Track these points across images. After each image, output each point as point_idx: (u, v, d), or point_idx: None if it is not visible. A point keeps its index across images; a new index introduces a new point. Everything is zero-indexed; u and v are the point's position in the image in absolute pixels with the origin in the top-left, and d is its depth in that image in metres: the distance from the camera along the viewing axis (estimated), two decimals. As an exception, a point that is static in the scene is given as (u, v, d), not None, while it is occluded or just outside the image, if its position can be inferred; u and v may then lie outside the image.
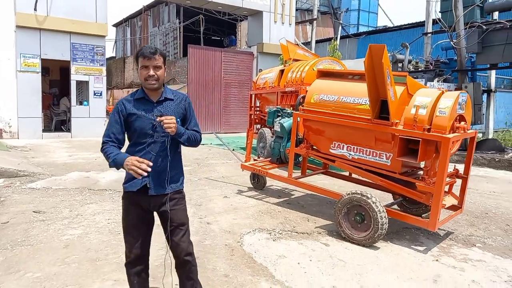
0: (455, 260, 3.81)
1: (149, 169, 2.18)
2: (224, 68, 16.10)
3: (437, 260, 3.79)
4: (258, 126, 10.58)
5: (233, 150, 9.49)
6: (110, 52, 32.37)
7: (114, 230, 4.32)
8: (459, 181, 4.55)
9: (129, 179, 2.41)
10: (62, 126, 14.15)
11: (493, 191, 6.73)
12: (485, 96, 11.29)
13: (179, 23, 25.42)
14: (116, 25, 35.97)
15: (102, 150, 2.38)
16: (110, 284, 3.11)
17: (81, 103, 13.39)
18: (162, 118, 2.28)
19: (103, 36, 13.70)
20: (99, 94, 13.58)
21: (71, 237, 4.05)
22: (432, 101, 3.97)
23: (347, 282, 3.30)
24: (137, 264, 2.50)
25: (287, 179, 5.20)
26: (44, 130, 12.98)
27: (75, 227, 4.35)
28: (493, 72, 11.26)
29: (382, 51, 3.79)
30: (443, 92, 4.08)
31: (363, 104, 4.43)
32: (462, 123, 4.08)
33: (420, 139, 3.92)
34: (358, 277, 3.38)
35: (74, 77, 13.03)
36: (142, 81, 2.36)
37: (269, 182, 6.43)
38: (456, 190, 4.57)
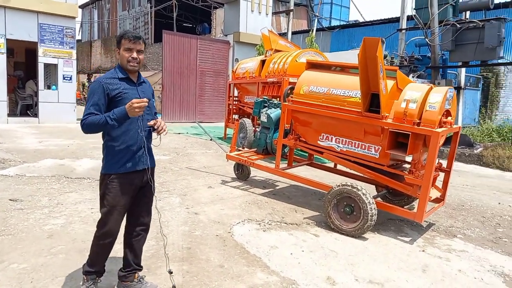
0: (439, 251, 3.95)
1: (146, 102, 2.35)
2: (199, 56, 15.80)
3: (423, 251, 3.92)
4: (236, 116, 10.50)
5: (211, 140, 9.37)
6: (76, 35, 30.97)
7: (98, 220, 4.16)
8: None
9: (127, 160, 2.52)
10: (28, 111, 13.43)
11: (465, 184, 7.04)
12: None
13: (151, 7, 24.67)
14: (82, 7, 34.39)
15: (88, 120, 2.37)
16: (103, 276, 2.99)
17: (49, 87, 12.73)
18: (152, 122, 2.53)
19: (73, 18, 13.08)
20: (68, 79, 12.97)
21: (54, 227, 3.86)
22: (422, 96, 4.05)
23: (340, 272, 3.35)
24: (114, 237, 2.62)
25: (274, 170, 5.19)
26: (9, 115, 12.28)
27: (57, 217, 4.15)
28: (463, 70, 11.71)
29: (377, 44, 3.81)
30: (432, 87, 4.18)
31: (354, 97, 4.47)
32: (449, 118, 4.20)
33: (410, 133, 4.00)
34: (351, 267, 3.44)
35: (42, 60, 12.35)
36: (123, 62, 2.49)
37: (252, 172, 6.40)
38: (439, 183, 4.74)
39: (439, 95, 4.00)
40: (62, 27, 12.65)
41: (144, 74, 16.96)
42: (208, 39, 18.23)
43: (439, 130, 3.91)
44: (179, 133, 11.85)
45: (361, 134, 4.46)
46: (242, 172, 6.12)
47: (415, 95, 4.09)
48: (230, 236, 3.96)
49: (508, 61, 10.39)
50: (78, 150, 8.02)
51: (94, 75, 28.36)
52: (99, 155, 7.66)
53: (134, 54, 2.47)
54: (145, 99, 2.35)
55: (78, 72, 30.42)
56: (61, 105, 12.77)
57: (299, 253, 3.66)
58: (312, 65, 5.13)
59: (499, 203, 5.86)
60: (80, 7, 33.98)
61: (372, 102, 4.25)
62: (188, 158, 7.91)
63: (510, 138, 9.36)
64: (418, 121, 3.98)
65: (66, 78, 12.87)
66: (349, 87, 4.51)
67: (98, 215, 4.28)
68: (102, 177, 2.58)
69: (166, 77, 15.31)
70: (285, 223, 4.45)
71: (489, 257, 3.86)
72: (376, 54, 3.81)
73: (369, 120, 4.27)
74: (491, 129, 10.28)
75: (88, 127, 2.38)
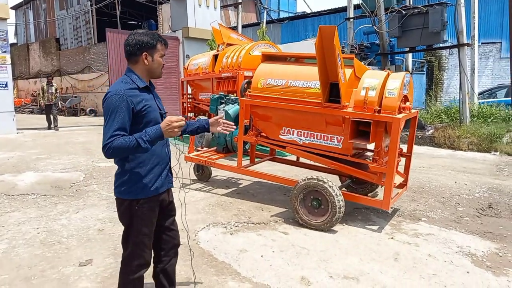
0: (407, 236, 3.95)
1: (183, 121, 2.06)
2: (147, 54, 15.17)
3: (392, 238, 3.90)
4: (191, 114, 10.16)
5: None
6: (11, 38, 28.69)
7: (46, 240, 3.76)
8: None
9: (155, 181, 2.22)
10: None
11: (422, 166, 7.23)
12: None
13: (91, 5, 23.39)
14: (16, 8, 31.98)
15: (115, 144, 1.97)
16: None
17: (-19, 96, 11.65)
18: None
19: (5, 19, 12.01)
20: (4, 86, 11.92)
21: (-6, 255, 3.42)
22: (380, 83, 4.01)
23: (314, 270, 3.23)
24: (149, 265, 2.33)
25: (237, 169, 4.98)
26: None
27: (-3, 242, 3.70)
28: (410, 55, 12.12)
29: (333, 33, 3.71)
30: (389, 74, 4.15)
31: (313, 88, 4.36)
32: (408, 103, 4.20)
33: (371, 121, 3.95)
34: (324, 264, 3.33)
35: (-28, 66, 11.27)
36: (157, 70, 2.21)
37: (214, 172, 6.16)
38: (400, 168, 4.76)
39: (397, 81, 3.98)
40: (-8, 30, 11.58)
41: (89, 76, 16.11)
42: (155, 36, 17.55)
43: (400, 116, 3.88)
44: (132, 136, 11.29)
45: (323, 125, 4.37)
46: (202, 173, 5.86)
47: (373, 82, 4.04)
48: (196, 243, 3.72)
49: (452, 44, 10.83)
50: (20, 163, 7.35)
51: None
52: (44, 167, 7.13)
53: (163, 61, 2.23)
54: (182, 117, 2.04)
55: (16, 78, 28.38)
56: (-3, 114, 11.72)
57: (270, 255, 3.50)
58: (268, 57, 4.96)
59: (455, 182, 6.05)
60: (12, 8, 31.62)
61: (332, 92, 4.16)
62: (144, 162, 7.50)
63: (458, 118, 9.78)
64: (379, 108, 3.94)
65: (1, 85, 11.82)
66: (307, 78, 4.39)
67: (45, 235, 3.91)
68: (126, 203, 2.17)
69: (113, 78, 14.53)
70: (252, 223, 4.27)
71: (455, 238, 3.91)
72: (333, 43, 3.71)
73: (330, 110, 4.17)
74: (439, 111, 10.71)
75: (115, 151, 1.98)
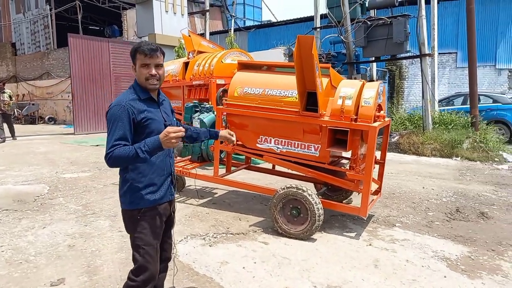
0: (384, 242, 4.03)
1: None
2: (113, 61, 14.77)
3: (370, 245, 3.96)
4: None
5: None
6: (-39, 42, 26.94)
7: (12, 259, 3.52)
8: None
9: (157, 190, 2.20)
10: None
11: (390, 172, 7.45)
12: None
13: (50, 9, 22.48)
14: (-33, 10, 30.17)
15: (115, 153, 1.99)
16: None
17: None
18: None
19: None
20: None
21: (-46, 278, 3.15)
22: (356, 92, 4.09)
23: (298, 280, 3.21)
24: (156, 280, 2.29)
25: (214, 178, 4.90)
26: None
27: (-44, 264, 3.40)
28: (374, 64, 12.52)
29: (311, 43, 3.75)
30: (364, 83, 4.25)
31: (290, 97, 4.38)
32: (382, 111, 4.31)
33: (349, 129, 4.01)
34: (307, 273, 3.32)
35: None
36: (141, 80, 2.17)
37: (187, 182, 6.03)
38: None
39: (372, 90, 4.07)
40: None
41: (48, 82, 15.42)
42: (121, 42, 17.13)
43: (376, 124, 3.97)
44: (97, 145, 10.88)
45: (300, 133, 4.39)
46: (177, 182, 5.71)
47: (349, 91, 4.11)
48: (175, 257, 3.60)
49: (414, 54, 11.30)
50: (-24, 175, 6.87)
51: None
52: (4, 179, 6.68)
53: (153, 71, 2.14)
54: (181, 128, 2.00)
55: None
56: None
57: (252, 266, 3.45)
58: (244, 66, 4.94)
59: (423, 188, 6.27)
60: (-37, 10, 29.78)
61: (309, 100, 4.20)
62: (112, 173, 7.23)
63: (421, 125, 10.18)
64: (355, 117, 4.01)
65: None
66: (285, 87, 4.40)
67: (10, 254, 3.65)
68: (128, 214, 2.19)
69: (76, 85, 14.04)
70: (231, 233, 4.20)
71: (429, 242, 4.03)
72: (312, 53, 3.75)
73: (307, 119, 4.20)
74: (403, 118, 11.11)
75: (115, 161, 2.00)
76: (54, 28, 22.69)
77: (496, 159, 8.57)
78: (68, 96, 18.31)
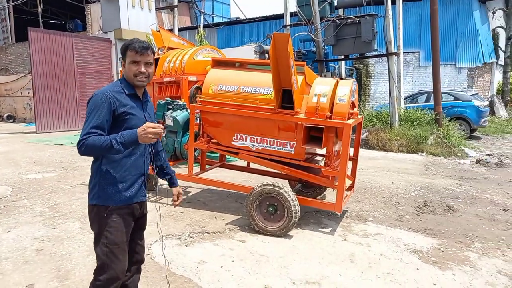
0: (358, 237, 4.11)
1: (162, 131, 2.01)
2: (77, 56, 14.22)
3: (345, 240, 4.03)
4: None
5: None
6: None
7: (-25, 266, 3.30)
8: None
9: (128, 188, 2.14)
10: None
11: (360, 168, 7.58)
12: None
13: (8, 2, 21.35)
14: None
15: (89, 141, 1.93)
16: None
17: None
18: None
19: None
20: None
21: None
22: (331, 90, 4.14)
23: (276, 277, 3.22)
24: (120, 281, 2.21)
25: (188, 177, 4.82)
26: None
27: None
28: (343, 62, 12.76)
29: (287, 40, 3.76)
30: (338, 81, 4.31)
31: (265, 94, 4.37)
32: (355, 109, 4.39)
33: (324, 127, 4.06)
34: (285, 270, 3.34)
35: None
36: (129, 77, 2.14)
37: (160, 181, 5.90)
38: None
39: (346, 88, 4.13)
40: None
41: (6, 78, 14.72)
42: (85, 37, 16.52)
43: (350, 121, 4.04)
44: (62, 144, 10.45)
45: (276, 131, 4.40)
46: (149, 182, 5.58)
47: (324, 89, 4.16)
48: (150, 258, 3.52)
49: (381, 53, 11.61)
50: None
51: None
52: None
53: (142, 68, 2.12)
54: (160, 125, 1.97)
55: None
56: None
57: (230, 264, 3.43)
58: (218, 63, 4.89)
59: (392, 182, 6.47)
60: None
61: (284, 98, 4.21)
62: (80, 173, 6.97)
63: (389, 122, 10.49)
64: (330, 114, 4.06)
65: None
66: (260, 84, 4.39)
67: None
68: (95, 209, 2.13)
69: (37, 81, 13.42)
70: (208, 232, 4.16)
71: (401, 236, 4.16)
72: (287, 50, 3.76)
73: (283, 116, 4.22)
74: (371, 115, 11.40)
75: (88, 149, 1.95)
76: (12, 22, 21.59)
77: (458, 154, 8.97)
78: (29, 93, 17.48)
